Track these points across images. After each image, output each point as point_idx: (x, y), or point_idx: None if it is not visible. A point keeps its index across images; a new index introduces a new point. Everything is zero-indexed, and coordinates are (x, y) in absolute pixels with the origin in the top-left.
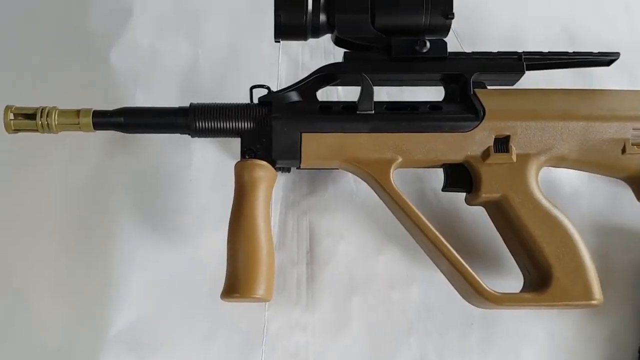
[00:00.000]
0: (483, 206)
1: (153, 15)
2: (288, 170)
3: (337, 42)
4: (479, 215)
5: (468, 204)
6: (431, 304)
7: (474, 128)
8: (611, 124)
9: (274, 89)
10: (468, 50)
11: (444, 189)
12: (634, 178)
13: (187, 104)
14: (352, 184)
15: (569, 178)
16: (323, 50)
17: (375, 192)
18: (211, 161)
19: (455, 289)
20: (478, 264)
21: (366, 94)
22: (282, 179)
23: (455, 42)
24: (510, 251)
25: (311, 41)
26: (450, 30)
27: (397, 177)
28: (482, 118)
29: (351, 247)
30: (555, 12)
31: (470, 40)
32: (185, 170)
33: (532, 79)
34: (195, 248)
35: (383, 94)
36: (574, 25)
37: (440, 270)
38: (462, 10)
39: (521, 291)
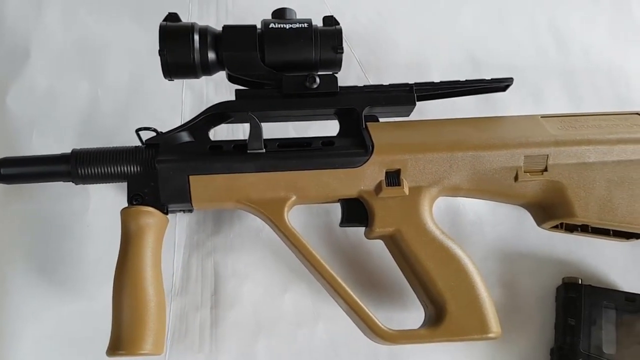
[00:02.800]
0: (381, 240)
1: (52, 56)
2: (190, 210)
3: (230, 79)
4: (385, 248)
5: (367, 238)
6: (338, 341)
7: (364, 163)
8: (501, 152)
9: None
10: (373, 80)
11: (342, 224)
12: (530, 204)
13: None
14: (259, 221)
15: (473, 205)
16: (228, 84)
17: (274, 231)
18: (110, 205)
19: (356, 325)
20: (385, 298)
21: (254, 133)
22: (186, 219)
23: (360, 73)
24: (410, 285)
25: (215, 75)
26: (356, 61)
27: (303, 210)
28: (371, 153)
29: (257, 286)
30: (460, 38)
31: (377, 70)
32: (82, 215)
33: (437, 106)
34: (92, 299)
35: (290, 127)
36: (479, 49)
37: (341, 308)
38: (367, 40)
39: (421, 325)
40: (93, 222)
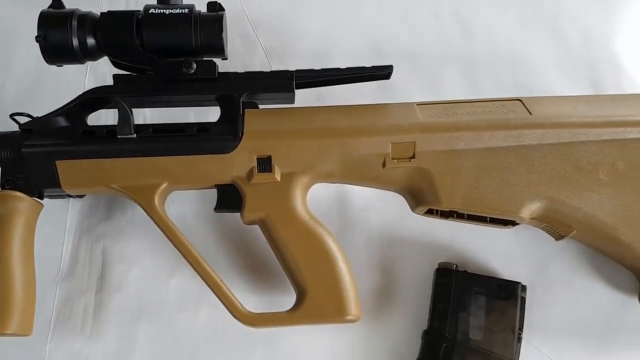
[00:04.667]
0: (258, 225)
1: None
2: (81, 195)
3: (114, 64)
4: None
5: (244, 223)
6: (218, 325)
7: (234, 149)
8: (368, 139)
9: None
10: (276, 66)
11: (216, 209)
12: (401, 191)
13: None
14: None
15: (361, 191)
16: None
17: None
18: None
19: None
20: (270, 282)
21: (123, 118)
22: (78, 204)
23: (265, 60)
24: (282, 269)
25: None
26: (261, 48)
27: (195, 195)
28: (241, 139)
29: (144, 272)
30: (365, 26)
31: (282, 57)
32: None
33: (333, 93)
34: None
35: (190, 113)
36: (384, 37)
37: None
38: (274, 27)
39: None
40: None
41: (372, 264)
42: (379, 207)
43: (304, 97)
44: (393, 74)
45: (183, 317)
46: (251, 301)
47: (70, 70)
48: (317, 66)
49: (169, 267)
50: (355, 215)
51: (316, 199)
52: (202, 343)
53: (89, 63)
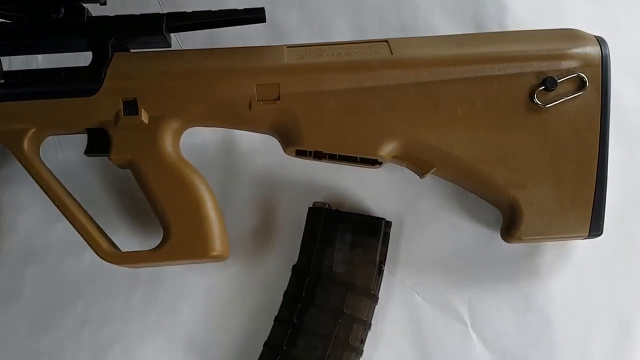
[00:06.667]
0: (128, 168)
1: None
2: None
3: None
4: None
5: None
6: (102, 267)
7: (97, 92)
8: (233, 81)
9: None
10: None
11: (86, 152)
12: (271, 132)
13: None
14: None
15: (248, 136)
16: None
17: None
18: None
19: None
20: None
21: None
22: None
23: (157, 7)
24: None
25: None
26: None
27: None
28: (103, 81)
29: (32, 217)
30: None
31: (174, 3)
32: None
33: (222, 38)
34: None
35: (81, 59)
36: None
37: None
38: None
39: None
40: None
41: (253, 206)
42: (264, 151)
43: (195, 41)
44: (284, 18)
45: (69, 260)
46: (133, 242)
47: None
48: None
49: (56, 212)
50: (240, 159)
51: (203, 144)
52: (86, 284)
53: None
